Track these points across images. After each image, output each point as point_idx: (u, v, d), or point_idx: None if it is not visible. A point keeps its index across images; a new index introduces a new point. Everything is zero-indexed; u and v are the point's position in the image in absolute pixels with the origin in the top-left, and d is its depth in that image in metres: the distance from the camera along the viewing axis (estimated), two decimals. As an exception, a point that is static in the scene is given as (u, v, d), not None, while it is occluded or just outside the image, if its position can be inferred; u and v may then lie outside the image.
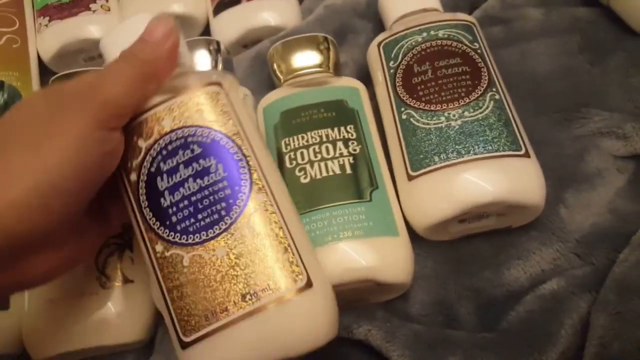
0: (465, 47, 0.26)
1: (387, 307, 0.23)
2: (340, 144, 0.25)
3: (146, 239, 0.19)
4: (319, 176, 0.24)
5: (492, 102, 0.24)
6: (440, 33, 0.27)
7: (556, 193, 0.26)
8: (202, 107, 0.20)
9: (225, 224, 0.19)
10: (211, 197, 0.19)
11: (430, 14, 0.28)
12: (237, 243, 0.18)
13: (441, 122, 0.24)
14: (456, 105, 0.24)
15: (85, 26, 0.34)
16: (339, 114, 0.26)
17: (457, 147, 0.23)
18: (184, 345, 0.18)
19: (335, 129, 0.25)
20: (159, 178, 0.20)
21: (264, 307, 0.18)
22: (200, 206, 0.19)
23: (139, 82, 0.19)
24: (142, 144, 0.20)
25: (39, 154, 0.17)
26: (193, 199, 0.19)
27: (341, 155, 0.25)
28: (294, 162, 0.25)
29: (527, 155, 0.23)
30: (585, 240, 0.25)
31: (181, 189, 0.19)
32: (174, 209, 0.19)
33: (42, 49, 0.35)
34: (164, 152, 0.20)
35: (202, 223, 0.19)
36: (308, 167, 0.24)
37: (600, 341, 0.20)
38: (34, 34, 0.36)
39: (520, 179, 0.22)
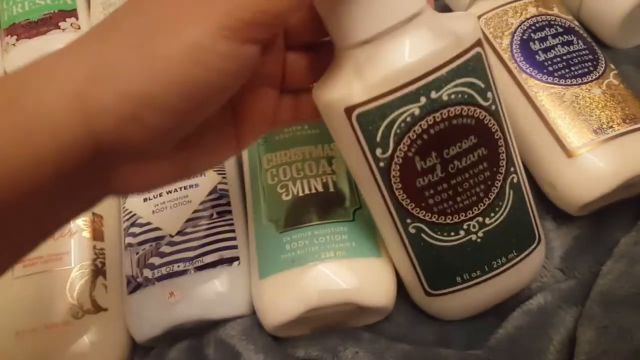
0: (479, 112, 0.19)
1: (374, 328, 0.24)
2: (323, 162, 0.25)
3: None
4: (301, 194, 0.24)
5: (511, 192, 0.21)
6: (445, 95, 0.18)
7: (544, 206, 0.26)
8: None
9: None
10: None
11: (415, 38, 0.18)
12: None
13: (461, 237, 0.20)
14: (475, 211, 0.20)
15: (55, 45, 0.34)
16: (323, 131, 0.26)
17: (479, 262, 0.21)
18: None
19: (319, 146, 0.26)
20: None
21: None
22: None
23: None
24: None
25: (141, 55, 0.14)
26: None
27: (324, 173, 0.25)
28: (276, 179, 0.25)
29: (539, 241, 0.22)
30: (569, 254, 0.26)
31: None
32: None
33: (10, 69, 0.35)
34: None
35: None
36: (290, 184, 0.25)
37: (587, 357, 0.20)
38: (0, 53, 0.35)
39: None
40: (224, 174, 0.27)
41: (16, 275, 0.25)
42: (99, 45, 0.15)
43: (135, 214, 0.26)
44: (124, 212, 0.27)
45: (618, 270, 0.23)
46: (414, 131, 0.18)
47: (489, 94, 0.19)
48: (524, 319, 0.22)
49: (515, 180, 0.21)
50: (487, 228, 0.20)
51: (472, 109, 0.19)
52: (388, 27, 0.18)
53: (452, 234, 0.20)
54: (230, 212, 0.26)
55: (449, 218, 0.20)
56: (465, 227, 0.20)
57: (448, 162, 0.19)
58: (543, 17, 0.30)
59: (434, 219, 0.20)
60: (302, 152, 0.26)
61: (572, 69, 0.28)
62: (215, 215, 0.26)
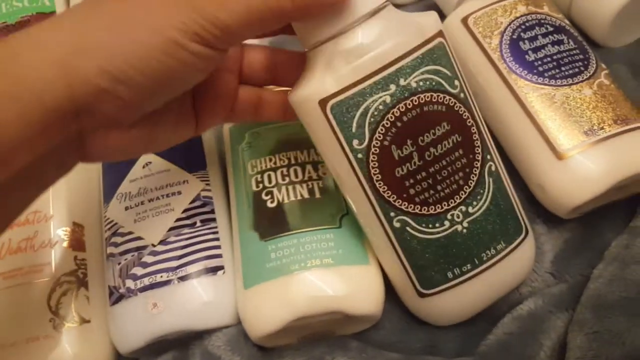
0: (448, 98, 0.20)
1: (361, 336, 0.23)
2: (309, 167, 0.25)
3: None
4: (286, 200, 0.24)
5: (491, 180, 0.21)
6: (414, 82, 0.19)
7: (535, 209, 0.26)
8: None
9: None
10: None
11: (381, 28, 0.19)
12: None
13: (446, 228, 0.20)
14: (457, 200, 0.20)
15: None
16: (309, 136, 0.26)
17: (469, 255, 0.21)
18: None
19: (305, 151, 0.25)
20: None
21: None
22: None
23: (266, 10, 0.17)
24: None
25: (123, 40, 0.17)
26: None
27: (310, 178, 0.25)
28: (261, 185, 0.25)
29: (527, 233, 0.22)
30: (559, 258, 0.25)
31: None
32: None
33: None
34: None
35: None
36: (275, 190, 0.24)
37: (578, 363, 0.20)
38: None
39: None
40: (208, 181, 0.27)
41: (-5, 287, 0.24)
42: (84, 23, 0.17)
43: (116, 223, 0.26)
44: (106, 222, 0.26)
45: (609, 273, 0.23)
46: (388, 119, 0.19)
47: (456, 82, 0.20)
48: (514, 325, 0.22)
49: (493, 168, 0.21)
50: (471, 217, 0.20)
51: (442, 95, 0.20)
52: (353, 21, 0.19)
53: (437, 225, 0.20)
54: (214, 219, 0.26)
55: (431, 208, 0.20)
56: (449, 217, 0.20)
57: (424, 149, 0.20)
58: (533, 15, 0.30)
59: (417, 210, 0.20)
60: (287, 157, 0.25)
61: (563, 69, 0.27)
62: (198, 224, 0.25)
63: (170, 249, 0.25)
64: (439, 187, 0.20)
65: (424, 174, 0.20)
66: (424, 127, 0.19)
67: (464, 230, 0.21)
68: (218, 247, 0.25)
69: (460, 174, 0.20)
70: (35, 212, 0.26)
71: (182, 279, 0.24)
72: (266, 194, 0.24)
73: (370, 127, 0.19)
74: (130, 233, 0.25)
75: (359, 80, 0.19)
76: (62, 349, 0.24)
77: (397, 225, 0.20)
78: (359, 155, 0.19)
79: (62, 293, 0.25)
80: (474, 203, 0.21)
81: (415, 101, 0.19)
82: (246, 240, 0.24)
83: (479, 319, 0.23)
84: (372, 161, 0.19)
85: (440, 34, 0.20)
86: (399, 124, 0.19)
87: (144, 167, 0.27)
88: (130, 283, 0.24)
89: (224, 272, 0.24)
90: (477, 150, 0.20)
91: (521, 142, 0.26)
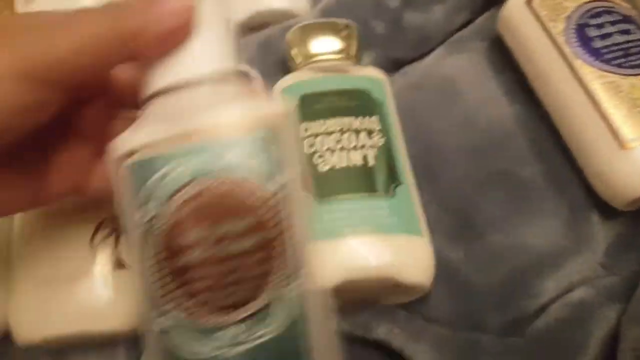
0: (260, 193, 0.16)
1: (409, 307, 0.23)
2: (363, 135, 0.25)
3: None
4: (338, 166, 0.24)
5: (292, 305, 0.16)
6: (221, 161, 0.16)
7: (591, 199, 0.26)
8: None
9: None
10: None
11: (208, 93, 0.17)
12: None
13: (211, 350, 0.16)
14: (233, 317, 0.16)
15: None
16: (363, 103, 0.26)
17: None
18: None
19: (359, 119, 0.25)
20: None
21: None
22: None
23: (104, 47, 0.16)
24: None
25: None
26: None
27: (364, 146, 0.24)
28: (313, 148, 0.24)
29: None
30: (611, 251, 0.25)
31: None
32: None
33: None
34: None
35: None
36: (328, 155, 0.24)
37: (636, 353, 0.19)
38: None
39: None
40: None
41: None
42: None
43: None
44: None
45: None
46: (185, 191, 0.16)
47: (277, 179, 0.16)
48: (564, 311, 0.22)
49: (300, 290, 0.16)
50: (246, 346, 0.16)
51: (250, 186, 0.16)
52: (181, 82, 0.17)
53: (203, 341, 0.16)
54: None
55: (201, 318, 0.16)
56: (219, 335, 0.16)
57: (214, 241, 0.16)
58: (600, 3, 0.29)
59: (183, 315, 0.16)
60: (341, 123, 0.25)
61: (630, 58, 0.27)
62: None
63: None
64: (218, 294, 0.16)
65: (205, 271, 0.16)
66: (218, 217, 0.16)
67: (249, 354, 0.16)
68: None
69: (250, 284, 0.16)
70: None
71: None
72: (318, 157, 0.24)
73: (164, 197, 0.16)
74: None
75: (166, 139, 0.16)
76: (98, 291, 0.24)
77: (163, 325, 0.16)
78: (139, 231, 0.16)
79: (105, 236, 0.25)
80: (254, 328, 0.16)
81: (215, 184, 0.16)
82: (296, 201, 0.24)
83: (528, 304, 0.23)
84: (150, 241, 0.16)
85: (270, 122, 0.17)
86: (191, 203, 0.16)
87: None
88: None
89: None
90: (284, 260, 0.16)
91: (583, 129, 0.26)
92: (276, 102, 0.18)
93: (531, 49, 0.29)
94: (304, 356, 0.16)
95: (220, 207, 0.16)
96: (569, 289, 0.23)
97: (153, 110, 0.17)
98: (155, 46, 0.17)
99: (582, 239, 0.25)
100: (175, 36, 0.17)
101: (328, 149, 0.24)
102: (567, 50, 0.27)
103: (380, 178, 0.23)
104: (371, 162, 0.24)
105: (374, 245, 0.21)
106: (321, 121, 0.25)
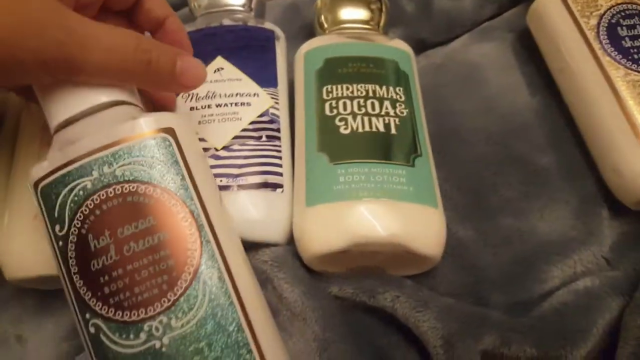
0: (159, 192, 0.18)
1: (415, 279, 0.23)
2: (387, 103, 0.25)
3: None
4: (360, 130, 0.24)
5: (207, 293, 0.18)
6: (119, 170, 0.18)
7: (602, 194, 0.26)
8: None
9: None
10: None
11: (100, 121, 0.19)
12: None
13: (143, 342, 0.17)
14: (158, 308, 0.17)
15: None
16: (390, 73, 0.26)
17: None
18: None
19: (384, 87, 0.25)
20: None
21: None
22: None
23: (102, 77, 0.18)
24: None
25: None
26: None
27: (387, 114, 0.24)
28: (335, 111, 0.24)
29: None
30: (616, 247, 0.25)
31: None
32: None
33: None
34: None
35: None
36: (350, 118, 0.24)
37: (638, 342, 0.20)
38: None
39: None
40: (277, 99, 0.27)
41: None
42: None
43: (180, 121, 0.25)
44: (168, 118, 0.26)
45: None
46: (87, 205, 0.18)
47: (177, 178, 0.19)
48: (569, 297, 0.22)
49: (215, 277, 0.18)
50: (173, 333, 0.17)
51: (151, 188, 0.18)
52: (76, 113, 0.19)
53: (132, 336, 0.17)
54: (279, 138, 0.25)
55: (127, 314, 0.17)
56: (146, 328, 0.17)
57: (123, 242, 0.18)
58: (634, 6, 0.29)
59: (110, 314, 0.17)
60: (365, 89, 0.25)
61: (657, 61, 0.27)
62: (264, 138, 0.25)
63: (233, 156, 0.24)
64: (137, 290, 0.17)
65: (120, 270, 0.17)
66: (125, 219, 0.18)
67: (163, 349, 0.17)
68: (280, 165, 0.25)
69: (165, 277, 0.17)
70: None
71: (241, 187, 0.24)
72: (340, 120, 0.24)
73: (70, 213, 0.18)
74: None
75: (65, 163, 0.18)
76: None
77: (92, 330, 0.18)
78: (60, 243, 0.18)
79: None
80: (178, 316, 0.17)
81: (119, 190, 0.18)
82: (313, 160, 0.23)
83: (534, 288, 0.23)
84: (70, 250, 0.18)
85: (167, 131, 0.19)
86: (97, 211, 0.18)
87: (215, 71, 0.27)
88: (186, 181, 0.24)
89: (282, 191, 0.24)
90: (192, 254, 0.18)
91: (603, 124, 0.26)
92: (160, 116, 0.20)
93: (560, 42, 0.29)
94: (233, 335, 0.18)
95: (122, 211, 0.18)
96: (572, 279, 0.24)
97: (54, 143, 0.19)
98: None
99: (590, 232, 0.25)
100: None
101: (351, 113, 0.24)
102: (596, 46, 0.28)
103: (401, 147, 0.23)
104: (393, 130, 0.24)
105: (389, 212, 0.21)
106: (345, 85, 0.25)
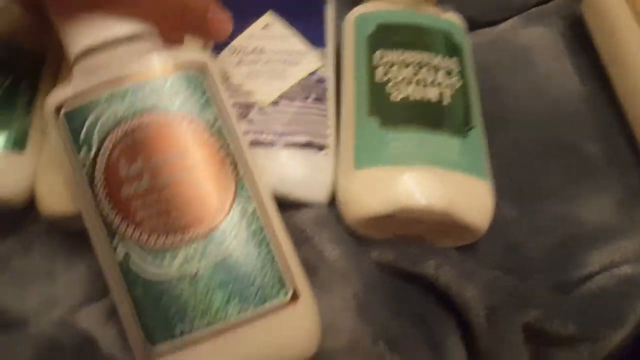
0: (196, 124, 0.18)
1: (459, 250, 0.23)
2: (441, 73, 0.24)
3: None
4: (413, 97, 0.23)
5: (243, 222, 0.18)
6: (154, 99, 0.18)
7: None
8: None
9: None
10: None
11: (133, 50, 0.19)
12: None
13: (177, 267, 0.17)
14: (193, 234, 0.17)
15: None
16: (444, 43, 0.25)
17: (204, 306, 0.17)
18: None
19: (439, 57, 0.25)
20: None
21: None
22: None
23: None
24: None
25: None
26: None
27: (441, 84, 0.24)
28: (388, 77, 0.24)
29: (295, 298, 0.18)
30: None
31: None
32: None
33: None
34: None
35: None
36: (403, 85, 0.23)
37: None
38: None
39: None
40: (326, 60, 0.26)
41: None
42: None
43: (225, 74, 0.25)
44: (214, 70, 0.25)
45: None
46: (119, 130, 0.18)
47: (210, 112, 0.19)
48: (610, 282, 0.22)
49: (250, 210, 0.18)
50: (209, 259, 0.17)
51: (187, 118, 0.18)
52: (104, 41, 0.19)
53: (167, 261, 0.17)
54: (326, 100, 0.25)
55: (160, 239, 0.17)
56: (182, 253, 0.17)
57: (157, 169, 0.17)
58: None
59: (143, 240, 0.17)
60: (420, 56, 0.24)
61: None
62: (311, 99, 0.25)
63: (280, 113, 0.24)
64: (173, 215, 0.17)
65: (155, 197, 0.17)
66: (160, 147, 0.18)
67: (199, 273, 0.17)
68: (325, 127, 0.24)
69: (201, 206, 0.17)
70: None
71: (286, 144, 0.23)
72: (392, 86, 0.24)
73: (100, 137, 0.18)
74: (240, 87, 0.25)
75: (93, 88, 0.18)
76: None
77: (121, 256, 0.17)
78: (87, 167, 0.18)
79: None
80: (216, 242, 0.17)
81: (153, 118, 0.18)
82: (363, 124, 0.23)
83: (567, 267, 0.23)
84: (98, 175, 0.18)
85: (199, 66, 0.19)
86: (131, 137, 0.18)
87: (263, 27, 0.26)
88: (232, 133, 0.23)
89: (326, 153, 0.24)
90: (228, 185, 0.18)
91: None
92: (194, 51, 0.20)
93: (615, 31, 0.28)
94: (277, 267, 0.18)
95: (157, 139, 0.18)
96: (611, 267, 0.24)
97: (78, 69, 0.19)
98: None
99: (632, 223, 0.25)
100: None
101: (404, 79, 0.24)
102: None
103: (454, 118, 0.23)
104: (447, 100, 0.23)
105: (439, 180, 0.21)
106: (399, 51, 0.25)
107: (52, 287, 0.24)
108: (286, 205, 0.23)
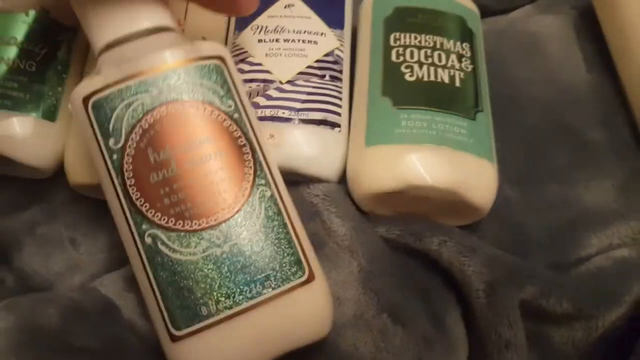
0: (217, 113, 0.19)
1: (463, 229, 0.24)
2: (453, 57, 0.25)
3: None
4: (426, 79, 0.24)
5: (262, 206, 0.19)
6: (178, 89, 0.19)
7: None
8: None
9: None
10: None
11: (157, 42, 0.20)
12: None
13: (203, 250, 0.18)
14: (219, 219, 0.18)
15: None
16: (458, 28, 0.26)
17: (227, 286, 0.18)
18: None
19: (452, 42, 0.25)
20: None
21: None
22: None
23: None
24: None
25: None
26: None
27: (452, 67, 0.25)
28: (401, 58, 0.25)
29: (311, 278, 0.19)
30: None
31: None
32: None
33: None
34: None
35: None
36: (416, 66, 0.24)
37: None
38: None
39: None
40: (342, 42, 0.27)
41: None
42: None
43: (246, 52, 0.26)
44: (234, 48, 0.26)
45: None
46: (146, 120, 0.19)
47: (230, 102, 0.20)
48: (607, 263, 0.23)
49: (268, 194, 0.19)
50: (233, 241, 0.18)
51: (209, 108, 0.19)
52: (130, 33, 0.20)
53: (193, 244, 0.18)
54: (341, 79, 0.26)
55: (187, 223, 0.18)
56: (207, 236, 0.18)
57: (184, 156, 0.18)
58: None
59: (171, 224, 0.18)
60: (433, 40, 0.25)
61: None
62: (327, 77, 0.25)
63: (297, 91, 0.25)
64: (198, 200, 0.18)
65: (181, 183, 0.18)
66: (186, 136, 0.19)
67: (224, 255, 0.18)
68: (340, 105, 0.25)
69: (225, 190, 0.19)
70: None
71: (302, 121, 0.24)
72: (406, 67, 0.24)
73: (127, 127, 0.19)
74: (259, 64, 0.25)
75: (120, 79, 0.19)
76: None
77: (148, 241, 0.18)
78: (114, 156, 0.19)
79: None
80: (238, 226, 0.18)
81: (179, 107, 0.19)
82: (376, 103, 0.24)
83: (566, 247, 0.24)
84: (127, 163, 0.19)
85: (219, 58, 0.20)
86: (157, 127, 0.19)
87: (285, 7, 0.27)
88: (250, 109, 0.24)
89: (339, 130, 0.25)
90: (248, 171, 0.19)
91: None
92: (214, 44, 0.21)
93: (625, 21, 0.29)
94: (294, 247, 0.19)
95: (183, 127, 0.19)
96: (608, 249, 0.25)
97: (104, 61, 0.20)
98: None
99: (631, 208, 0.26)
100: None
101: (417, 61, 0.24)
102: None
103: (464, 100, 0.24)
104: (457, 83, 0.24)
105: (447, 159, 0.22)
106: (414, 34, 0.25)
107: (75, 254, 0.26)
108: (299, 180, 0.25)
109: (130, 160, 0.19)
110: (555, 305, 0.21)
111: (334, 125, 0.25)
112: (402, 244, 0.23)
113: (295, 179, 0.25)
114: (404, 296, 0.22)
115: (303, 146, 0.24)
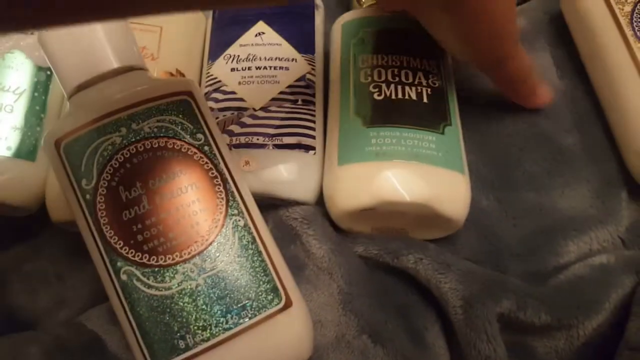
0: (186, 147, 0.20)
1: (437, 244, 0.24)
2: (420, 74, 0.25)
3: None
4: (394, 97, 0.24)
5: (236, 236, 0.19)
6: (147, 127, 0.20)
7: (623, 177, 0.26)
8: None
9: None
10: None
11: (126, 82, 0.20)
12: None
13: (178, 284, 0.18)
14: (192, 252, 0.19)
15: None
16: (424, 46, 0.26)
17: (205, 319, 0.18)
18: None
19: (418, 59, 0.26)
20: None
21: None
22: None
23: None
24: None
25: None
26: None
27: (420, 84, 0.25)
28: (369, 78, 0.25)
29: (288, 304, 0.19)
30: (632, 229, 0.26)
31: None
32: None
33: None
34: None
35: None
36: (384, 85, 0.25)
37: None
38: None
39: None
40: (314, 66, 0.27)
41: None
42: None
43: (220, 81, 0.26)
44: (208, 78, 0.27)
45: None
46: (117, 159, 0.19)
47: (200, 135, 0.20)
48: (585, 271, 0.23)
49: (241, 223, 0.20)
50: (207, 273, 0.19)
51: (179, 143, 0.20)
52: (97, 75, 0.20)
53: (167, 279, 0.18)
54: (314, 103, 0.26)
55: (161, 258, 0.18)
56: (181, 269, 0.18)
57: (155, 193, 0.19)
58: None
59: (144, 260, 0.18)
60: (399, 59, 0.26)
61: (688, 51, 0.27)
62: (300, 102, 0.26)
63: (270, 117, 0.25)
64: (170, 235, 0.19)
65: (154, 219, 0.19)
66: (156, 172, 0.19)
67: (199, 288, 0.18)
68: (313, 128, 0.26)
69: (197, 224, 0.19)
70: (143, 48, 0.26)
71: (277, 146, 0.25)
72: (374, 87, 0.25)
73: (99, 167, 0.19)
74: (233, 93, 0.26)
75: (90, 121, 0.19)
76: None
77: (124, 277, 0.18)
78: (87, 196, 0.19)
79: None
80: (213, 256, 0.19)
81: (148, 145, 0.19)
82: (347, 123, 0.24)
83: (550, 260, 0.24)
84: (100, 202, 0.19)
85: (188, 94, 0.21)
86: (128, 165, 0.19)
87: (256, 35, 0.27)
88: (226, 138, 0.25)
89: (314, 153, 0.25)
90: (220, 202, 0.20)
91: (629, 108, 0.26)
92: (181, 80, 0.21)
93: (592, 27, 0.29)
94: (270, 275, 0.19)
95: (152, 164, 0.19)
96: (588, 255, 0.24)
97: (75, 102, 0.20)
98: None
99: (608, 212, 0.26)
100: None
101: (384, 80, 0.25)
102: (628, 32, 0.28)
103: (432, 115, 0.24)
104: (425, 99, 0.25)
105: (418, 174, 0.22)
106: (381, 55, 0.26)
107: (61, 289, 0.26)
108: (277, 204, 0.25)
109: (103, 199, 0.19)
110: (532, 317, 0.21)
111: (308, 148, 0.25)
112: (380, 262, 0.24)
113: (273, 203, 0.25)
114: (383, 316, 0.22)
115: (278, 171, 0.24)
